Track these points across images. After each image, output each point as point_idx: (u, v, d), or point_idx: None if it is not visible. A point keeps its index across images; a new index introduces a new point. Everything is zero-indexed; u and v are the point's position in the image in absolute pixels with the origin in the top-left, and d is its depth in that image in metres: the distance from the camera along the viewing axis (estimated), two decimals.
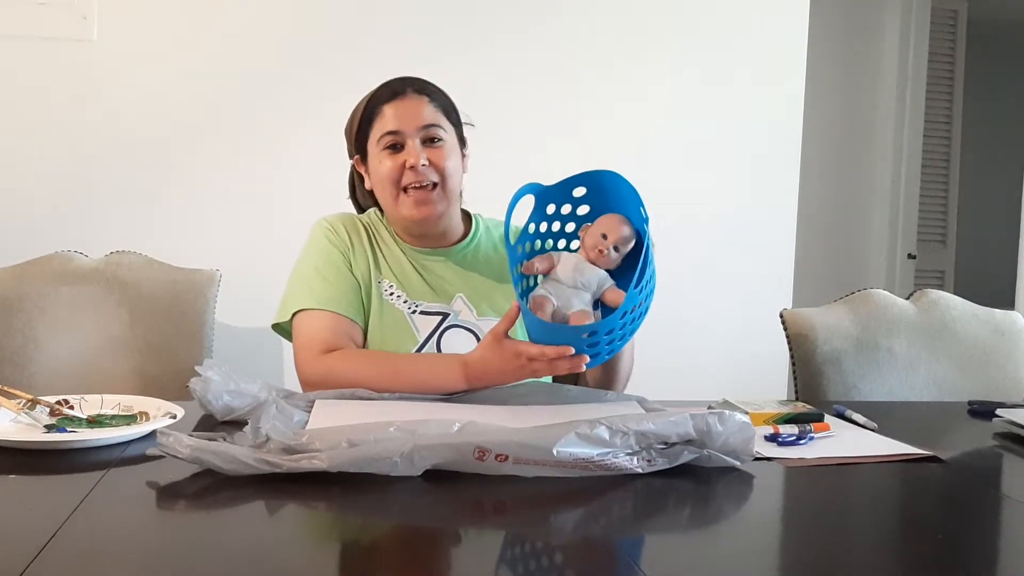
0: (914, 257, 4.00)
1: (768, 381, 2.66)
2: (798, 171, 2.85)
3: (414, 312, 1.50)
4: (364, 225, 1.57)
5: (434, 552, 0.91)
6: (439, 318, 1.50)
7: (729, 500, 1.07)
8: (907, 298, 1.98)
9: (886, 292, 1.96)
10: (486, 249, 1.59)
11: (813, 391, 1.82)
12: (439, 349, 1.48)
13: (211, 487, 0.99)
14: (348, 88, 2.55)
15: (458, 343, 1.48)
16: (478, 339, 1.48)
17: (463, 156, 1.55)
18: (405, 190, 1.47)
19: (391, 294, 1.50)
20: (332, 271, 1.50)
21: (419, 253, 1.55)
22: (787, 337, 1.88)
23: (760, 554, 0.93)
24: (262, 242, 2.42)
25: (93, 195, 2.38)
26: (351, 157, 1.59)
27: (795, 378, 1.87)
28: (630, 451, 1.06)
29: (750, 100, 2.77)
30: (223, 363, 1.31)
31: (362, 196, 1.63)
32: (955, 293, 2.04)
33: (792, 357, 1.87)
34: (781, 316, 1.89)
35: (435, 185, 1.47)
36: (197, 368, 1.28)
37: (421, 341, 1.48)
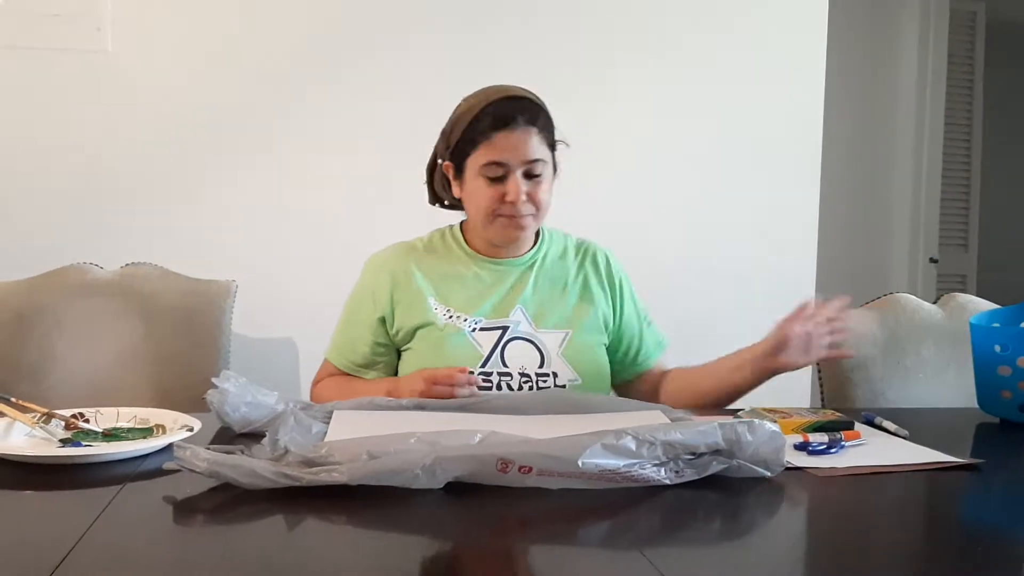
0: (936, 261, 3.95)
1: (791, 388, 2.61)
2: (819, 176, 2.82)
3: (474, 330, 1.52)
4: (419, 249, 1.61)
5: (458, 568, 0.89)
6: (499, 332, 1.52)
7: (760, 512, 1.05)
8: (934, 302, 1.94)
9: (913, 297, 1.93)
10: (551, 261, 1.62)
11: (840, 398, 1.78)
12: (503, 362, 1.51)
13: (229, 502, 0.97)
14: (366, 98, 2.56)
15: (521, 354, 1.52)
16: (539, 349, 1.52)
17: (555, 175, 1.58)
18: (500, 216, 1.51)
19: (450, 317, 1.54)
20: (352, 328, 1.60)
21: (487, 262, 1.59)
22: None
23: (792, 568, 0.91)
24: (278, 253, 2.41)
25: (108, 207, 2.37)
26: (441, 158, 1.58)
27: (821, 385, 1.83)
28: (657, 462, 1.04)
29: (769, 104, 2.74)
30: (240, 375, 1.29)
31: (439, 187, 1.63)
32: (977, 296, 2.00)
33: (818, 364, 1.83)
34: None
35: (529, 215, 1.52)
36: (214, 380, 1.27)
37: (485, 355, 1.50)
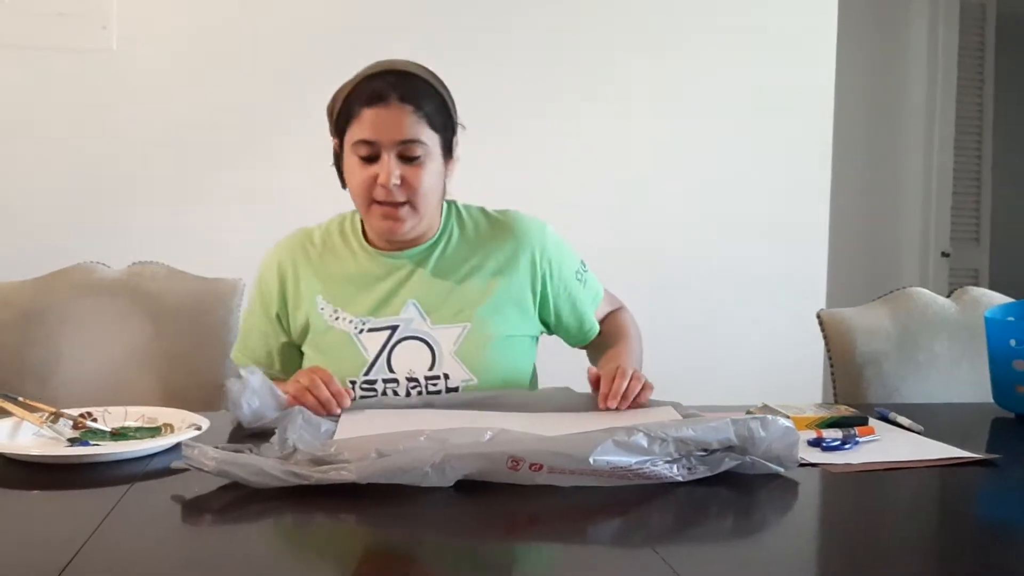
0: (948, 255, 3.92)
1: (802, 383, 2.61)
2: (829, 170, 2.80)
3: (361, 331, 1.43)
4: (313, 243, 1.51)
5: (468, 566, 0.88)
6: (388, 332, 1.42)
7: (774, 508, 1.04)
8: (947, 296, 1.93)
9: (926, 291, 1.91)
10: (453, 246, 1.49)
11: (853, 394, 1.77)
12: (390, 367, 1.41)
13: (238, 501, 0.97)
14: None
15: (410, 356, 1.42)
16: (431, 349, 1.42)
17: (449, 161, 1.45)
18: (375, 203, 1.39)
19: (336, 318, 1.44)
20: (251, 332, 1.55)
21: (380, 255, 1.47)
22: (825, 338, 1.83)
23: (807, 565, 0.90)
24: None
25: (114, 205, 2.37)
26: (332, 137, 1.47)
27: (833, 380, 1.82)
28: (669, 459, 1.03)
29: (779, 99, 2.73)
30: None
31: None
32: (990, 290, 1.98)
33: (830, 359, 1.82)
34: (819, 317, 1.84)
35: (405, 203, 1.38)
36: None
37: (370, 361, 1.41)
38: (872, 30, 3.84)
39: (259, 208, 2.45)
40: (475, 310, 1.44)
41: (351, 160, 1.40)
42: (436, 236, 1.48)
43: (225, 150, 2.42)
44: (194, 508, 0.96)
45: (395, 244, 1.46)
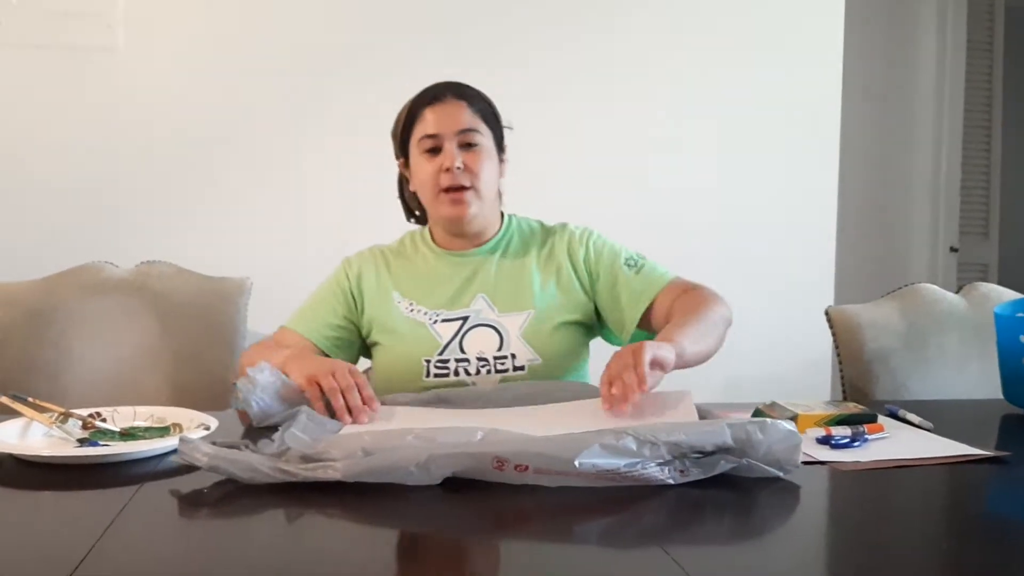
0: (956, 250, 3.91)
1: (811, 380, 2.60)
2: (837, 165, 2.79)
3: (436, 322, 1.55)
4: (388, 252, 1.66)
5: (453, 562, 0.88)
6: (460, 322, 1.55)
7: (773, 509, 1.02)
8: (956, 292, 1.92)
9: (935, 287, 1.90)
10: (515, 245, 1.63)
11: (861, 390, 1.76)
12: (462, 349, 1.53)
13: (252, 498, 0.97)
14: (378, 96, 2.53)
15: (480, 340, 1.54)
16: (499, 333, 1.54)
17: (501, 160, 1.60)
18: (442, 191, 1.53)
19: (412, 310, 1.57)
20: (320, 304, 1.62)
21: (450, 255, 1.61)
22: (833, 335, 1.82)
23: (815, 563, 0.89)
24: (292, 249, 2.41)
25: (122, 205, 2.38)
26: (397, 159, 1.64)
27: (842, 377, 1.81)
28: (661, 461, 1.01)
29: (787, 93, 2.72)
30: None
31: (409, 197, 1.68)
32: (999, 286, 1.98)
33: (839, 355, 1.81)
34: (827, 313, 1.84)
35: (469, 187, 1.53)
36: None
37: (443, 344, 1.53)
38: (880, 25, 3.82)
39: (267, 207, 2.45)
40: (536, 299, 1.57)
41: (418, 160, 1.56)
42: (498, 237, 1.63)
43: (232, 149, 2.43)
44: (203, 506, 0.97)
45: (462, 242, 1.60)
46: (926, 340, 1.82)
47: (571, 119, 2.61)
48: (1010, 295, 1.91)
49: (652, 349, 1.24)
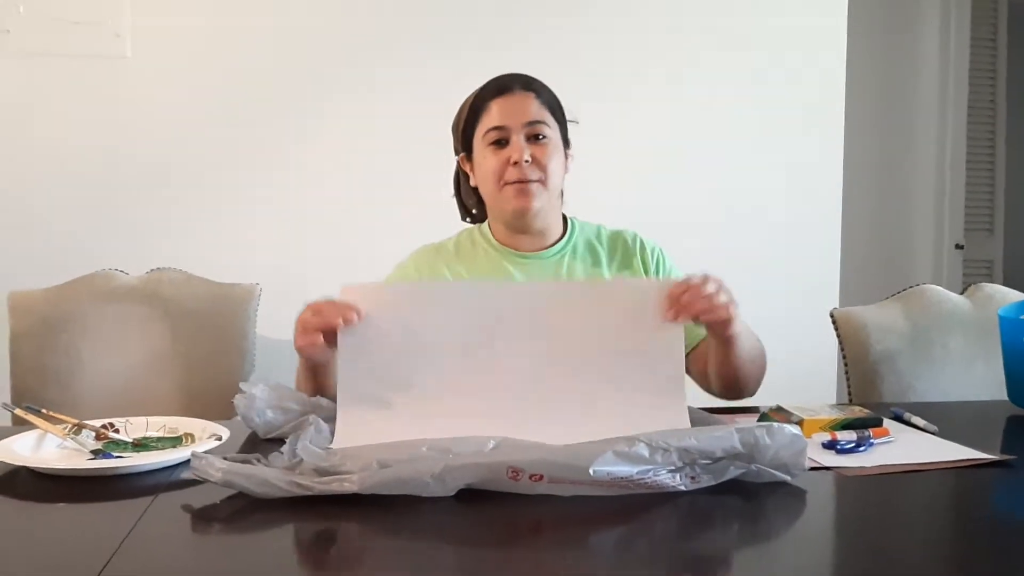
0: (962, 247, 3.90)
1: (816, 382, 2.60)
2: (841, 163, 2.79)
3: None
4: (447, 250, 1.58)
5: (469, 575, 0.89)
6: None
7: (781, 516, 1.03)
8: (961, 293, 1.92)
9: (940, 288, 1.91)
10: (582, 249, 1.58)
11: (867, 392, 1.77)
12: None
13: (264, 512, 0.98)
14: (386, 100, 2.55)
15: None
16: None
17: (566, 156, 1.55)
18: (507, 184, 1.48)
19: None
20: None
21: (515, 257, 1.55)
22: (838, 337, 1.83)
23: (820, 569, 0.90)
24: (301, 255, 2.42)
25: (132, 213, 2.39)
26: (457, 154, 1.59)
27: (848, 379, 1.82)
28: (672, 468, 1.02)
29: (791, 93, 2.72)
30: (267, 379, 1.31)
31: (466, 194, 1.62)
32: (1004, 283, 1.99)
33: (844, 357, 1.82)
34: (832, 315, 1.84)
35: (537, 181, 1.48)
36: (241, 385, 1.28)
37: None
38: (883, 22, 3.82)
39: (276, 213, 2.46)
40: None
41: (483, 152, 1.50)
42: (565, 239, 1.57)
43: (241, 156, 2.44)
44: (218, 520, 0.98)
45: (524, 241, 1.54)
46: (931, 341, 1.82)
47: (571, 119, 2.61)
48: (1015, 296, 1.92)
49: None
